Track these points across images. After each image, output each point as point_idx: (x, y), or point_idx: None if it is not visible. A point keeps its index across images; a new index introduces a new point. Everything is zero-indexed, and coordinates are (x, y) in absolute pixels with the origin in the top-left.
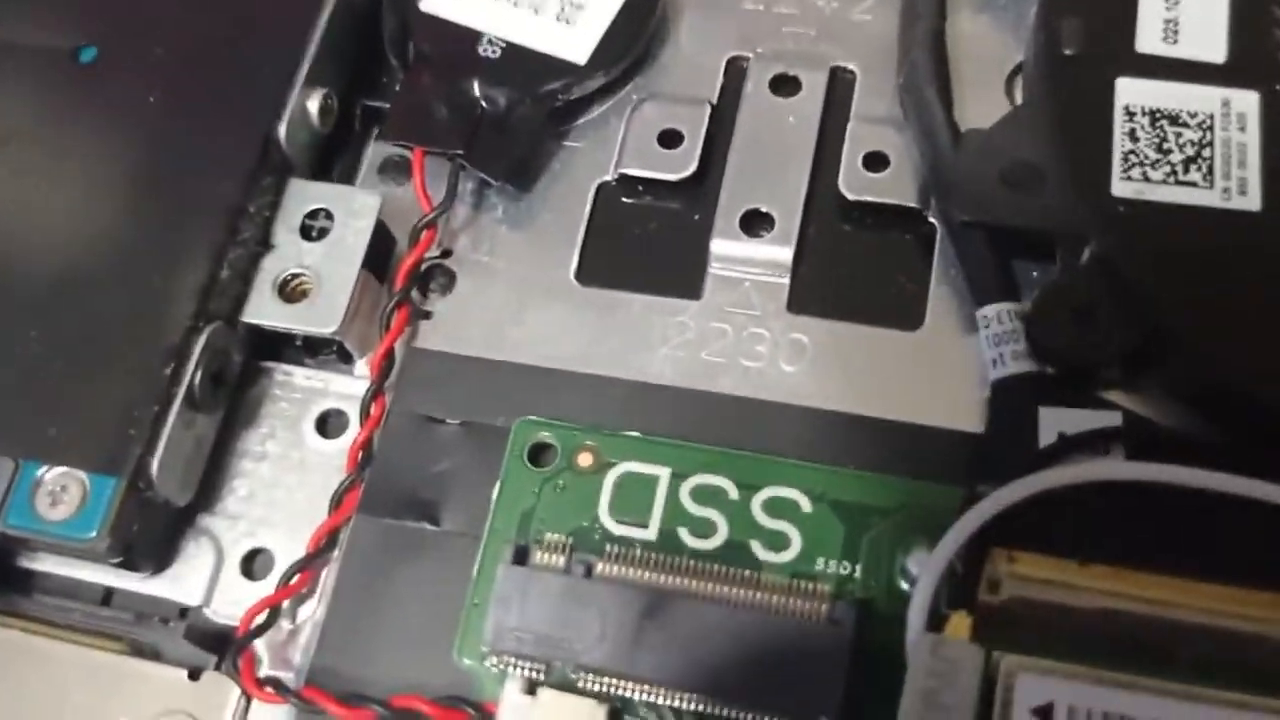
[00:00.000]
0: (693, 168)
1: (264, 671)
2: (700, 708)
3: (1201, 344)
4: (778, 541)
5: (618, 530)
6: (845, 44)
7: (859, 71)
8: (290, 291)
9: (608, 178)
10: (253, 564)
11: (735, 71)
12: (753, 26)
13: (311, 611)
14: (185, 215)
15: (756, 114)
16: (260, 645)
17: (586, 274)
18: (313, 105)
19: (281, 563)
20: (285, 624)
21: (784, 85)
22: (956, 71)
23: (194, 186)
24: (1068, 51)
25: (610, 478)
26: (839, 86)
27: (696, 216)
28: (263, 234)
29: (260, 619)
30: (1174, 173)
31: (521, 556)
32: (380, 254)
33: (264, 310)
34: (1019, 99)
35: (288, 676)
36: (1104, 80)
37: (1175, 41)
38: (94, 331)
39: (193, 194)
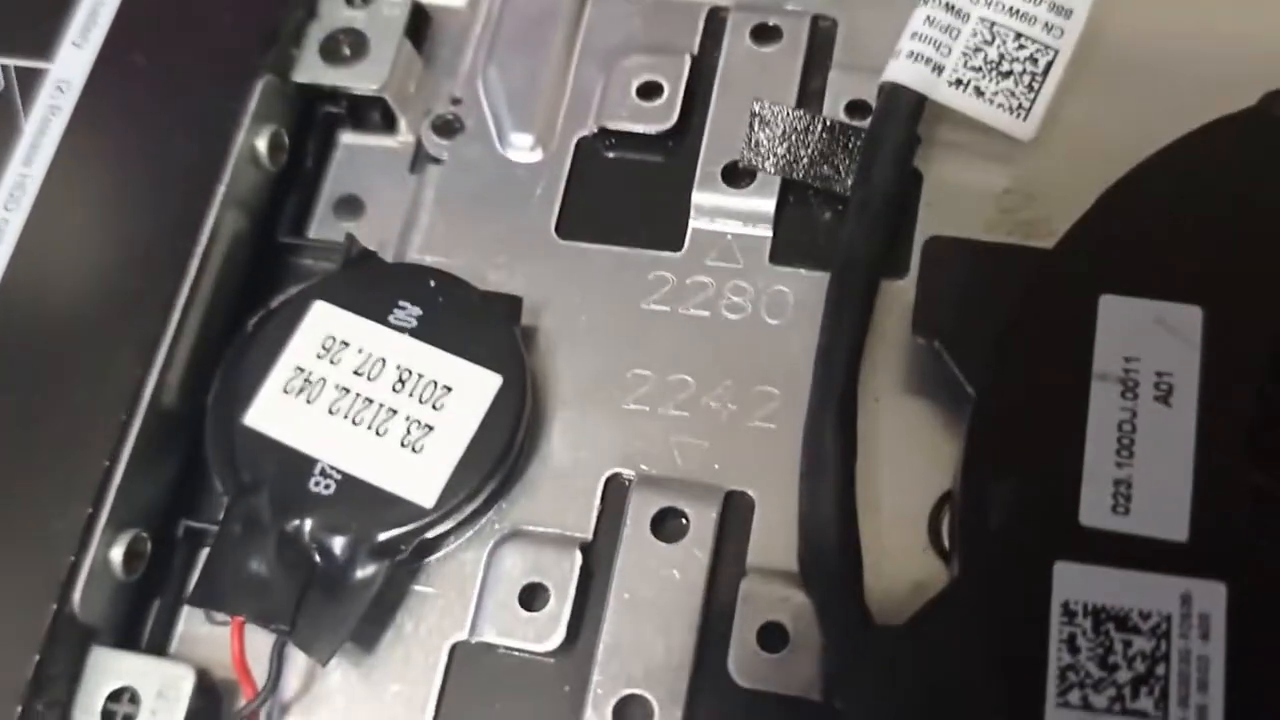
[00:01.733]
0: (559, 637)
1: None
2: None
3: None
4: None
5: None
6: (741, 463)
7: (757, 500)
8: None
9: (463, 636)
10: None
11: (615, 492)
12: (637, 436)
13: None
14: None
15: (637, 562)
16: None
17: None
18: (116, 553)
19: None
20: None
21: (667, 521)
22: (871, 483)
23: None
24: (995, 525)
25: None
26: (733, 520)
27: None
28: None
29: None
30: (1120, 698)
31: None
32: None
33: None
34: (944, 538)
35: None
36: (1040, 565)
37: (1126, 511)
38: None
39: None
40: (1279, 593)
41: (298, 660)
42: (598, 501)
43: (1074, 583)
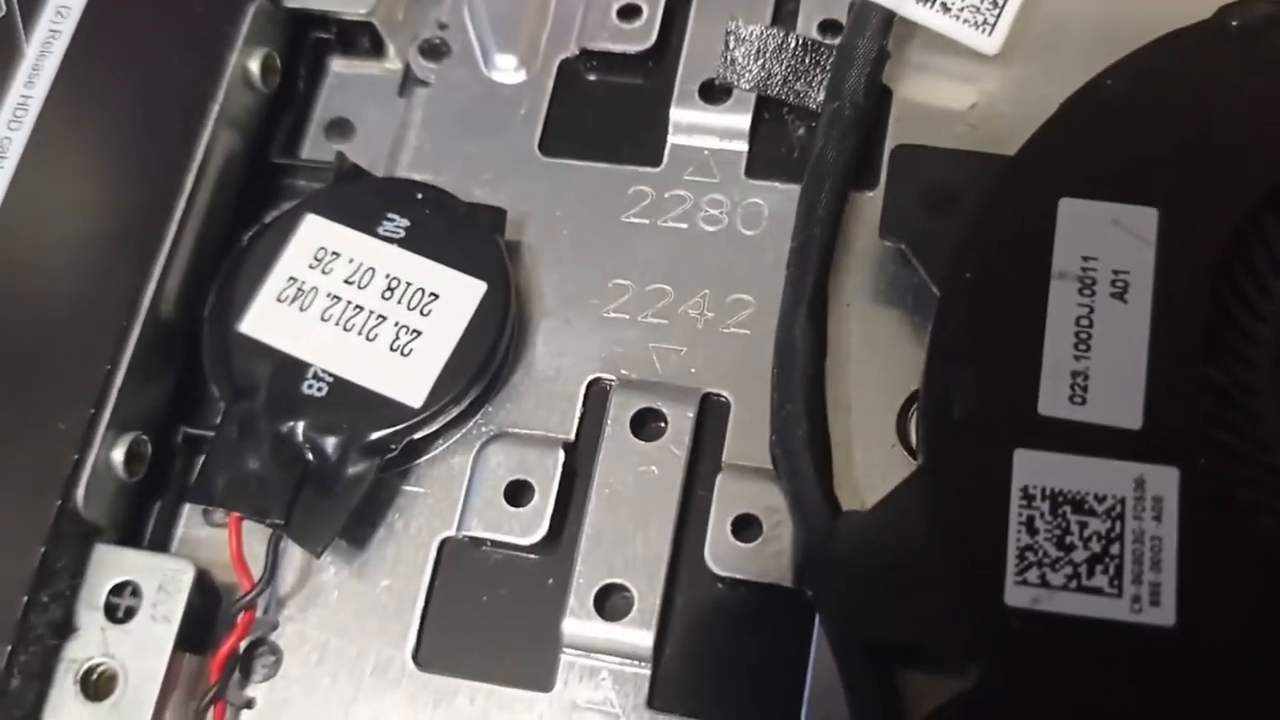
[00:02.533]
0: (543, 530)
1: None
2: None
3: None
4: None
5: None
6: (718, 365)
7: (733, 401)
8: (95, 681)
9: (451, 533)
10: None
11: (597, 396)
12: (617, 343)
13: None
14: None
15: (617, 459)
16: None
17: (426, 655)
18: (118, 454)
19: None
20: None
21: (646, 422)
22: (842, 384)
23: None
24: (959, 415)
25: None
26: (710, 420)
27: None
28: (63, 616)
29: None
30: (1076, 576)
31: None
32: (200, 618)
33: (65, 714)
34: (912, 435)
35: None
36: (1000, 452)
37: (1083, 401)
38: None
39: None
40: (1228, 475)
41: (294, 558)
42: (580, 405)
43: (1033, 468)
